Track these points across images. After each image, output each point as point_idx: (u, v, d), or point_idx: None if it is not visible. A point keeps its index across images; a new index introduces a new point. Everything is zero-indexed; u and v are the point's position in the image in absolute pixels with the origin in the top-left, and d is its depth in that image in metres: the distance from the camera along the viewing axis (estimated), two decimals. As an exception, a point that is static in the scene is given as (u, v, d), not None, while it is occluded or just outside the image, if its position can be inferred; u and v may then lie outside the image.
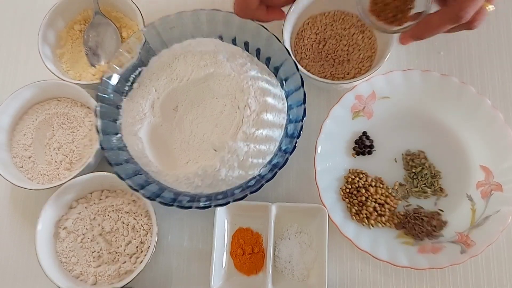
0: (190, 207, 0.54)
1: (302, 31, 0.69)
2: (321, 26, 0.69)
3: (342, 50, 0.68)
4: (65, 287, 0.58)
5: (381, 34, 0.64)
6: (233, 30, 0.62)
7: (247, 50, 0.63)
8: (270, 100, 0.59)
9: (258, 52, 0.63)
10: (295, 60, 0.59)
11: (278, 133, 0.59)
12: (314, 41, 0.69)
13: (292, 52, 0.65)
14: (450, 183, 0.65)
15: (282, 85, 0.62)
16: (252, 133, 0.57)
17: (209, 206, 0.54)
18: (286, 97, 0.61)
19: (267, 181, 0.55)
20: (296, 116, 0.59)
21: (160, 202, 0.54)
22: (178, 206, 0.54)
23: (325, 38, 0.69)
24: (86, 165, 0.62)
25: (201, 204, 0.54)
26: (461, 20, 0.47)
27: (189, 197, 0.56)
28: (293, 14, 0.65)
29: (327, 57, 0.68)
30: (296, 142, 0.56)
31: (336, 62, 0.68)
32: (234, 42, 0.63)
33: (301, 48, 0.69)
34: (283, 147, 0.58)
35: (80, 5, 0.72)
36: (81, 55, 0.71)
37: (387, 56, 0.61)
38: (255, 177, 0.58)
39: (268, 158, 0.58)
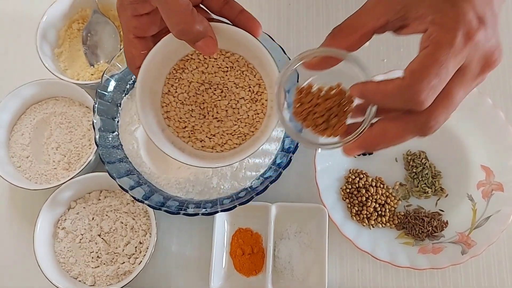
0: (177, 213, 0.54)
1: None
2: (213, 72, 0.46)
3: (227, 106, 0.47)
4: (63, 288, 0.58)
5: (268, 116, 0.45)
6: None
7: None
8: None
9: None
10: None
11: (274, 146, 0.59)
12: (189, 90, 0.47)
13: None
14: (450, 183, 0.65)
15: None
16: None
17: (197, 214, 0.54)
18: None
19: (257, 194, 0.55)
20: (290, 142, 0.58)
21: (149, 205, 0.54)
22: (166, 211, 0.54)
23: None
24: (85, 165, 0.62)
25: (189, 211, 0.54)
26: (429, 131, 0.34)
27: (178, 203, 0.56)
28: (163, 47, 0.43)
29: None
30: (291, 157, 0.55)
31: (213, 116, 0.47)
32: None
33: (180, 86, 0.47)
34: (278, 161, 0.58)
35: (78, 4, 0.71)
36: (79, 54, 0.71)
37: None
38: (246, 189, 0.57)
39: (262, 171, 0.58)
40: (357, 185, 0.64)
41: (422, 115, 0.33)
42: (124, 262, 0.61)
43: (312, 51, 0.37)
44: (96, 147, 0.60)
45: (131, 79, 0.62)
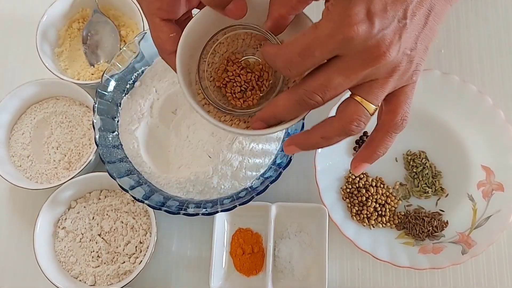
0: (178, 213, 0.54)
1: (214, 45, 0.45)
2: (246, 45, 0.46)
3: (257, 83, 0.46)
4: (63, 287, 0.58)
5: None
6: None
7: None
8: None
9: None
10: (199, 76, 0.43)
11: (274, 146, 0.59)
12: (229, 60, 0.46)
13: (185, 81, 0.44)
14: (451, 183, 0.65)
15: None
16: (248, 145, 0.57)
17: (197, 214, 0.54)
18: None
19: (257, 194, 0.55)
20: (294, 130, 0.58)
21: (149, 205, 0.54)
22: (166, 211, 0.54)
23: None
24: (85, 165, 0.62)
25: (189, 211, 0.54)
26: (305, 103, 0.36)
27: (178, 203, 0.56)
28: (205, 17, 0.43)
29: (233, 86, 0.45)
30: (291, 157, 0.56)
31: (245, 97, 0.46)
32: None
33: (210, 65, 0.45)
34: (278, 161, 0.58)
35: (79, 4, 0.71)
36: (80, 54, 0.71)
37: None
38: (246, 189, 0.57)
39: (262, 171, 0.58)
40: (357, 185, 0.64)
41: (299, 87, 0.36)
42: (124, 262, 0.61)
43: (234, 27, 0.41)
44: (96, 147, 0.60)
45: (131, 79, 0.62)
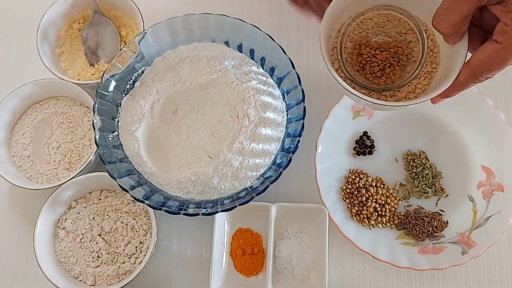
0: (178, 213, 0.54)
1: (345, 29, 0.51)
2: (371, 26, 0.50)
3: (393, 59, 0.50)
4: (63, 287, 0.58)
5: (446, 46, 0.46)
6: (240, 37, 0.62)
7: (252, 58, 0.63)
8: (270, 113, 0.59)
9: (263, 61, 0.62)
10: (329, 67, 0.47)
11: (274, 146, 0.59)
12: (360, 44, 0.51)
13: (328, 56, 0.49)
14: (451, 183, 0.65)
15: (283, 97, 0.62)
16: (248, 145, 0.57)
17: (198, 214, 0.54)
18: (287, 110, 0.61)
19: (257, 194, 0.55)
20: (294, 130, 0.59)
21: (149, 205, 0.54)
22: (166, 211, 0.54)
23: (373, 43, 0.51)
24: (86, 165, 0.62)
25: (189, 211, 0.54)
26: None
27: (179, 203, 0.56)
28: (336, 6, 0.48)
29: (371, 66, 0.50)
30: (291, 157, 0.56)
31: (385, 74, 0.50)
32: (240, 48, 0.63)
33: (343, 51, 0.50)
34: (278, 161, 0.58)
35: (79, 4, 0.71)
36: (80, 54, 0.71)
37: (454, 76, 0.43)
38: (246, 189, 0.57)
39: (262, 171, 0.58)
40: (357, 185, 0.64)
41: (477, 68, 0.41)
42: (124, 262, 0.61)
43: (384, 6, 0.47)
44: (96, 147, 0.60)
45: (131, 79, 0.62)
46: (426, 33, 0.47)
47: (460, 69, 0.42)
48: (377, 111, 0.66)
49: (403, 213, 0.63)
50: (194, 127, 0.62)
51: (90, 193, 0.65)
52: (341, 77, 0.46)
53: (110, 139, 0.59)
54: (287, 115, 0.61)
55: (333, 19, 0.48)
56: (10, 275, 0.65)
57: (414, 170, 0.65)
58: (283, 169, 0.56)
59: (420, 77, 0.47)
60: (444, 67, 0.46)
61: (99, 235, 0.63)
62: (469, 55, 0.42)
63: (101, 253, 0.62)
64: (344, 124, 0.65)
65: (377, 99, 0.46)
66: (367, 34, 0.49)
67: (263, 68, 0.63)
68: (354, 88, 0.46)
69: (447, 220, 0.63)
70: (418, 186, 0.64)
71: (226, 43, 0.63)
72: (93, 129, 0.57)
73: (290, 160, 0.56)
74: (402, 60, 0.47)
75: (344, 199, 0.64)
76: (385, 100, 0.47)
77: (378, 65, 0.48)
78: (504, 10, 0.36)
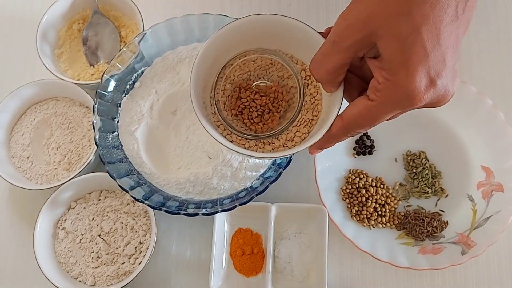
0: (177, 213, 0.54)
1: (222, 72, 0.45)
2: (254, 69, 0.46)
3: (273, 105, 0.46)
4: (63, 288, 0.58)
5: (327, 94, 0.43)
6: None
7: None
8: None
9: None
10: (216, 107, 0.44)
11: None
12: (240, 87, 0.47)
13: (199, 101, 0.44)
14: (451, 183, 0.65)
15: None
16: None
17: (197, 214, 0.54)
18: None
19: (257, 194, 0.55)
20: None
21: (149, 206, 0.54)
22: (166, 211, 0.54)
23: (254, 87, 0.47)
24: (85, 165, 0.62)
25: (189, 211, 0.54)
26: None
27: (178, 203, 0.56)
28: (214, 44, 0.43)
29: (250, 111, 0.46)
30: (291, 157, 0.56)
31: (263, 120, 0.46)
32: None
33: (222, 93, 0.46)
34: (278, 161, 0.58)
35: (79, 4, 0.71)
36: (80, 55, 0.71)
37: (327, 126, 0.40)
38: (246, 189, 0.57)
39: (261, 171, 0.58)
40: (357, 185, 0.64)
41: (350, 121, 0.38)
42: (124, 262, 0.61)
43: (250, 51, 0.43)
44: (96, 147, 0.60)
45: (131, 80, 0.62)
46: (310, 78, 0.44)
47: (334, 120, 0.39)
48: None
49: (403, 213, 0.63)
50: (193, 127, 0.62)
51: (90, 193, 0.65)
52: (216, 122, 0.44)
53: (109, 139, 0.59)
54: None
55: (209, 63, 0.44)
56: (10, 275, 0.65)
57: (414, 170, 0.65)
58: (283, 169, 0.55)
59: (300, 124, 0.44)
60: (325, 117, 0.44)
61: (99, 235, 0.63)
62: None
63: (100, 253, 0.62)
64: (344, 124, 0.65)
65: (255, 145, 0.44)
66: (249, 76, 0.46)
67: None
68: (230, 134, 0.44)
69: (447, 220, 0.63)
70: (418, 186, 0.64)
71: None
72: (93, 130, 0.57)
73: (290, 160, 0.56)
74: (282, 106, 0.45)
75: (344, 199, 0.64)
76: (263, 148, 0.44)
77: (256, 111, 0.45)
78: (378, 66, 0.35)
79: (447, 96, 0.35)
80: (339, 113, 0.39)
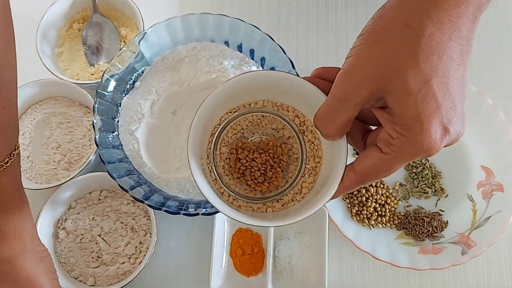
0: (178, 213, 0.54)
1: (217, 136, 0.43)
2: (246, 126, 0.44)
3: (274, 161, 0.44)
4: (63, 288, 0.58)
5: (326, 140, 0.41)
6: (239, 37, 0.62)
7: (252, 58, 0.63)
8: None
9: (263, 61, 0.62)
10: (217, 173, 0.42)
11: None
12: (237, 148, 0.44)
13: (199, 168, 0.42)
14: (450, 183, 0.65)
15: None
16: None
17: (197, 214, 0.54)
18: None
19: None
20: None
21: (149, 205, 0.54)
22: (166, 211, 0.54)
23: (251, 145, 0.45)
24: (85, 165, 0.62)
25: (189, 211, 0.54)
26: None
27: (178, 203, 0.56)
28: (209, 106, 0.42)
29: (252, 172, 0.44)
30: None
31: (267, 179, 0.44)
32: (240, 48, 0.63)
33: (218, 158, 0.44)
34: None
35: (79, 4, 0.71)
36: (79, 54, 0.71)
37: (338, 180, 0.39)
38: None
39: None
40: (357, 185, 0.64)
41: (364, 174, 0.38)
42: (124, 262, 0.61)
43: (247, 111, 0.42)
44: (96, 147, 0.60)
45: (131, 79, 0.62)
46: (305, 124, 0.42)
47: (344, 172, 0.38)
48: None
49: (403, 213, 0.63)
50: (193, 127, 0.61)
51: (90, 193, 0.65)
52: (219, 189, 0.42)
53: (110, 139, 0.59)
54: None
55: (203, 125, 0.42)
56: (10, 275, 0.65)
57: (414, 170, 0.65)
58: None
59: (304, 175, 0.42)
60: (327, 162, 0.42)
61: (99, 235, 0.63)
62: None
63: (100, 253, 0.62)
64: (344, 124, 0.65)
65: (263, 205, 0.42)
66: (243, 134, 0.44)
67: (263, 68, 0.63)
68: (236, 200, 0.41)
69: (447, 220, 0.63)
70: (417, 186, 0.64)
71: (226, 43, 0.63)
72: (93, 129, 0.57)
73: None
74: (283, 160, 0.43)
75: (344, 199, 0.64)
76: (272, 207, 0.42)
77: (258, 169, 0.42)
78: (389, 120, 0.34)
79: (459, 138, 0.35)
80: (347, 163, 0.38)
